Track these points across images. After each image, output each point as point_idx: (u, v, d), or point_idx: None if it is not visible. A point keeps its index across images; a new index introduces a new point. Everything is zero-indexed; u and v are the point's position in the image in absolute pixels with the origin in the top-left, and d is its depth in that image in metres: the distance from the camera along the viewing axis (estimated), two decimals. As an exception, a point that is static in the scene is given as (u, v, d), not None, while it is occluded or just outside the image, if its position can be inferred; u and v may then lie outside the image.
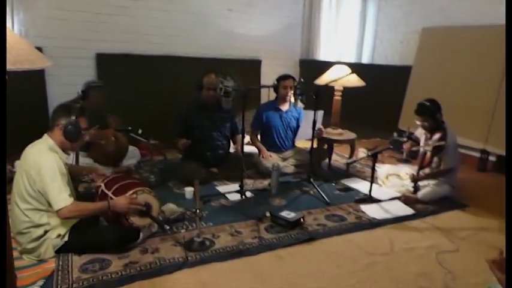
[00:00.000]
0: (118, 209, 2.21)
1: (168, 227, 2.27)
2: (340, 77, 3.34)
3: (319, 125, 3.54)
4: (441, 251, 2.43)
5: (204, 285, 1.97)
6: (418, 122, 3.33)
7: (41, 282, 1.96)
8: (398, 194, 3.33)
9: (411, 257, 2.36)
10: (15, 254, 2.19)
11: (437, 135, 3.22)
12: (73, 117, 2.21)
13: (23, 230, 2.14)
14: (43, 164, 2.09)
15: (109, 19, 4.54)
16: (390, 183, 3.53)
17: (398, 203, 3.18)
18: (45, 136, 2.23)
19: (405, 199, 3.22)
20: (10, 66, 1.11)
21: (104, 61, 4.53)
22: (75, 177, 2.77)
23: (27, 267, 2.12)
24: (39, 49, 4.15)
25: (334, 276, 2.10)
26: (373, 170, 3.23)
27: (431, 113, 3.19)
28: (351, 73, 3.32)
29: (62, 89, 4.16)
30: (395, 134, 3.49)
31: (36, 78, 4.21)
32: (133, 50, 4.66)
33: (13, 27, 4.06)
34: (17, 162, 3.26)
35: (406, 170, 3.61)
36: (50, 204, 2.12)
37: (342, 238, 2.56)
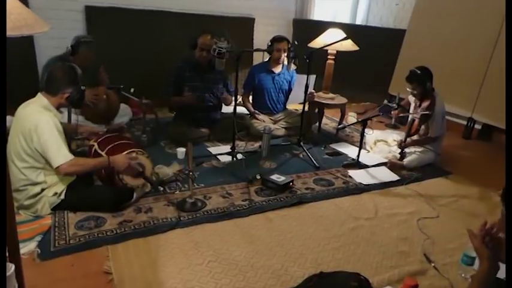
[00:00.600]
0: (117, 166, 2.25)
1: (162, 188, 2.32)
2: (334, 42, 3.30)
3: (311, 89, 3.55)
4: (422, 217, 2.55)
5: (196, 244, 2.06)
6: (408, 89, 3.36)
7: (38, 238, 2.02)
8: (385, 160, 3.42)
9: (394, 222, 2.48)
10: (10, 210, 2.25)
11: (425, 103, 3.27)
12: (82, 87, 2.21)
13: (20, 188, 2.18)
14: (39, 122, 2.09)
15: (98, -31, 4.33)
16: (378, 149, 3.62)
17: (384, 169, 3.28)
18: (39, 95, 2.21)
19: (391, 165, 3.31)
20: (10, 32, 1.10)
21: (93, 14, 4.37)
22: (68, 135, 2.78)
23: (24, 222, 2.17)
24: (25, 0, 4.05)
25: (320, 239, 2.21)
26: (362, 136, 3.30)
27: (421, 81, 3.22)
28: (345, 38, 3.29)
29: (50, 42, 4.05)
30: (385, 101, 3.53)
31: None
32: (124, 3, 4.49)
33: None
34: (8, 118, 3.24)
35: (394, 137, 3.69)
36: (47, 162, 2.15)
37: (329, 202, 2.66)
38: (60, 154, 2.10)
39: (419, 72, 3.22)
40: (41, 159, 2.15)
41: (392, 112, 3.43)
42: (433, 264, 2.06)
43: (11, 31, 1.08)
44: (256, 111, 3.89)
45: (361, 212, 2.56)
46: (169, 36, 4.63)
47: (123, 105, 3.84)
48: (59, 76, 2.22)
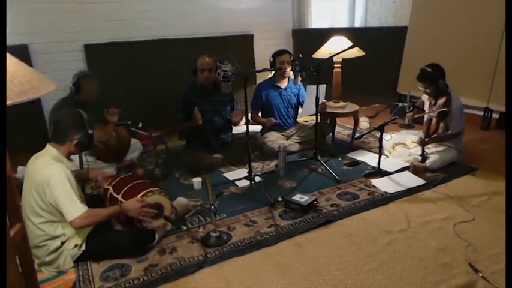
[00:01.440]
0: (130, 213, 2.17)
1: (185, 228, 2.23)
2: (341, 51, 3.22)
3: (322, 99, 3.47)
4: (458, 222, 2.43)
5: (228, 282, 1.97)
6: (420, 88, 3.26)
7: (64, 297, 1.95)
8: (406, 164, 3.30)
9: (429, 231, 2.36)
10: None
11: (441, 101, 3.16)
12: (90, 131, 2.17)
13: (39, 244, 2.12)
14: (51, 176, 2.03)
15: (93, 7, 4.32)
16: (397, 153, 3.50)
17: (407, 173, 3.16)
18: (48, 147, 2.16)
19: (414, 168, 3.20)
20: (16, 99, 1.03)
21: (92, 52, 4.35)
22: (80, 180, 2.72)
23: (47, 280, 2.09)
24: (25, 47, 4.05)
25: (356, 260, 2.10)
26: (381, 142, 3.19)
27: (433, 79, 3.12)
28: (352, 46, 3.20)
29: (53, 86, 4.03)
30: (400, 104, 3.43)
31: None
32: (122, 37, 4.48)
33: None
34: (19, 168, 3.20)
35: (412, 138, 3.57)
36: (62, 215, 2.08)
37: (357, 217, 2.55)
38: (74, 208, 2.03)
39: (430, 70, 3.12)
40: (57, 213, 2.08)
41: (407, 115, 3.32)
42: (481, 275, 1.93)
43: (17, 97, 1.01)
44: (270, 118, 3.76)
45: (393, 224, 2.45)
46: (170, 63, 4.60)
47: (133, 140, 3.77)
48: (65, 124, 2.16)
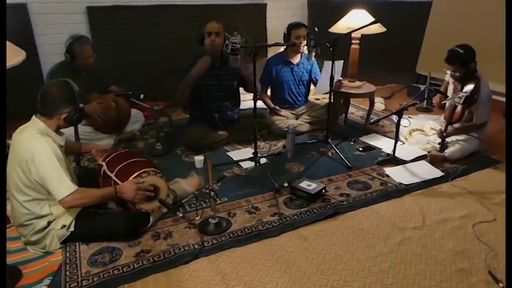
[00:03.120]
0: (125, 196, 2.01)
1: (181, 214, 2.07)
2: (362, 27, 2.93)
3: (338, 76, 3.22)
4: (477, 221, 2.23)
5: (224, 276, 1.81)
6: (448, 71, 3.00)
7: (48, 281, 1.81)
8: (423, 152, 3.08)
9: (446, 230, 2.17)
10: (19, 244, 2.05)
11: (469, 86, 2.89)
12: (80, 105, 1.97)
13: (24, 222, 1.97)
14: (36, 151, 1.85)
15: (97, -34, 4.05)
16: (414, 139, 3.26)
17: (424, 163, 2.94)
18: (34, 119, 1.96)
19: (432, 158, 2.98)
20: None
21: (96, 15, 4.10)
22: (75, 153, 2.56)
23: (32, 260, 1.97)
24: (23, 5, 3.81)
25: (364, 259, 1.93)
26: (398, 128, 2.95)
27: (465, 62, 2.85)
28: (374, 22, 2.91)
29: (54, 49, 3.85)
30: (421, 87, 3.17)
31: (25, 40, 3.84)
32: (128, 0, 4.21)
33: (-10, -19, 3.63)
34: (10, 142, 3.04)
35: (431, 124, 3.33)
36: (50, 193, 1.92)
37: (368, 210, 2.36)
38: (62, 185, 1.86)
39: (461, 51, 2.84)
40: (43, 190, 1.91)
41: (433, 100, 3.06)
42: (501, 285, 1.75)
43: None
44: (277, 107, 3.58)
45: (407, 220, 2.26)
46: (176, 31, 4.35)
47: (134, 111, 3.59)
48: (53, 96, 1.95)
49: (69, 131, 2.50)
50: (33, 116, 1.97)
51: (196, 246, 2.01)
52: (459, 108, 2.95)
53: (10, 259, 1.95)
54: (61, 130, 2.06)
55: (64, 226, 1.99)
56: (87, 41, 3.21)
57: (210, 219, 2.17)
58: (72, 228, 2.00)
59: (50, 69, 3.29)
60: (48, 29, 3.97)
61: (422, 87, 3.67)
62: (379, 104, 4.36)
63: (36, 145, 1.86)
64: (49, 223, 1.98)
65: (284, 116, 3.53)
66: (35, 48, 3.94)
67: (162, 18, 4.35)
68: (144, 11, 4.26)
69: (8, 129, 1.96)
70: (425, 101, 4.24)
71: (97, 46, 3.36)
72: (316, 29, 3.08)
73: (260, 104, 3.76)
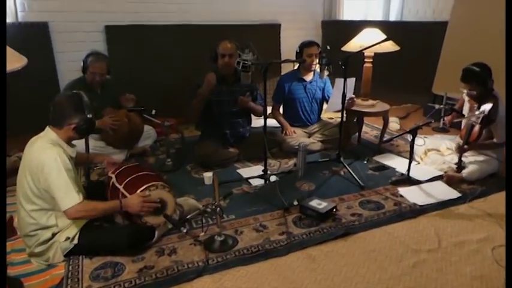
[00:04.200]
0: (130, 210, 1.98)
1: (185, 230, 2.02)
2: (373, 44, 2.90)
3: (350, 93, 3.17)
4: (497, 245, 2.11)
5: (228, 296, 1.74)
6: (464, 91, 2.92)
7: (48, 294, 1.77)
8: (439, 173, 2.98)
9: (463, 254, 2.05)
10: (23, 256, 2.03)
11: (487, 106, 2.79)
12: (88, 115, 1.98)
13: (30, 233, 1.96)
14: (46, 160, 1.86)
15: (116, -13, 4.18)
16: (430, 159, 3.17)
17: (440, 184, 2.84)
18: (47, 129, 1.99)
19: (448, 179, 2.87)
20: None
21: (113, 34, 4.22)
22: (86, 166, 2.56)
23: (35, 273, 1.94)
24: (45, 24, 3.93)
25: (376, 282, 1.83)
26: (412, 147, 2.87)
27: (481, 80, 2.77)
28: (386, 39, 2.88)
29: (72, 66, 3.92)
30: (436, 106, 3.10)
31: (44, 57, 3.96)
32: (145, 20, 4.32)
33: (15, 2, 3.78)
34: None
35: (447, 144, 3.23)
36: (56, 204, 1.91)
37: (381, 231, 2.27)
38: (68, 196, 1.85)
39: (477, 69, 2.77)
40: (50, 201, 1.91)
41: (445, 118, 2.98)
42: (523, 314, 1.63)
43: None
44: (289, 126, 3.54)
45: (421, 242, 2.16)
46: (191, 50, 4.41)
47: (147, 127, 3.61)
48: (62, 106, 1.97)
49: (81, 146, 2.53)
50: (47, 127, 1.99)
51: (200, 264, 1.95)
52: (477, 128, 2.85)
53: (13, 271, 1.93)
54: (74, 143, 2.07)
55: (68, 238, 1.97)
56: (103, 59, 3.25)
57: (216, 237, 2.11)
58: (75, 241, 1.98)
59: (66, 84, 3.35)
60: (67, 47, 4.09)
61: (437, 106, 3.58)
62: (394, 124, 4.28)
63: (47, 154, 1.87)
64: (53, 235, 1.96)
65: (293, 132, 3.48)
66: (54, 66, 4.05)
67: (178, 38, 4.43)
68: (161, 30, 4.36)
69: (24, 143, 1.99)
70: (441, 121, 4.15)
71: (113, 63, 3.41)
72: (329, 47, 3.07)
73: (273, 122, 3.76)
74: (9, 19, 3.74)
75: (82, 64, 3.17)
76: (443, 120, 3.12)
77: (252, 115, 3.49)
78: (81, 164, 2.45)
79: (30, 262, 2.01)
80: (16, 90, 3.74)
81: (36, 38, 3.89)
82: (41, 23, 3.92)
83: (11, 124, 3.48)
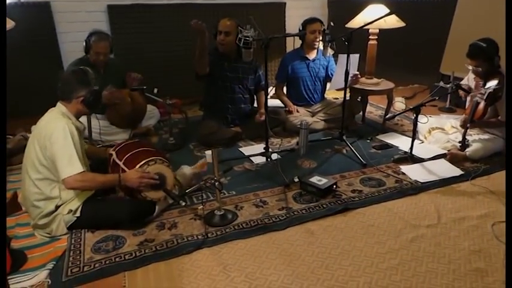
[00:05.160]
0: (129, 184, 2.00)
1: (184, 203, 2.04)
2: (377, 19, 2.85)
3: (354, 70, 3.13)
4: (497, 221, 2.10)
5: (225, 267, 1.77)
6: (469, 67, 2.86)
7: (51, 265, 1.81)
8: (443, 151, 2.95)
9: (462, 229, 2.05)
10: (27, 230, 2.08)
11: (493, 82, 2.74)
12: (94, 87, 2.03)
13: (34, 202, 2.01)
14: (54, 129, 1.92)
15: (117, -36, 4.13)
16: (433, 138, 3.14)
17: (443, 162, 2.82)
18: (58, 104, 2.06)
19: (451, 157, 2.84)
20: None
21: (116, 13, 4.19)
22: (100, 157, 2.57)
23: (38, 245, 1.99)
24: (47, 4, 3.92)
25: (373, 255, 1.84)
26: (415, 125, 2.84)
27: (488, 56, 2.71)
28: (390, 13, 2.83)
29: (75, 46, 3.90)
30: (441, 83, 3.04)
31: (47, 37, 3.97)
32: (147, -1, 4.28)
33: (17, -18, 3.77)
34: (33, 127, 3.11)
35: (452, 123, 3.19)
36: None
37: (381, 207, 2.27)
38: (70, 166, 1.89)
39: (484, 45, 2.71)
40: (55, 171, 1.95)
41: (462, 94, 2.93)
42: (521, 286, 1.63)
43: None
44: (291, 105, 3.52)
45: (421, 218, 2.15)
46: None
47: (150, 107, 3.62)
48: (69, 80, 2.05)
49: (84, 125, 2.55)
50: (58, 102, 2.05)
51: (200, 237, 1.98)
52: (482, 105, 2.80)
53: (17, 244, 1.98)
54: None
55: (71, 211, 2.01)
56: (105, 38, 3.24)
57: (215, 211, 2.13)
58: (78, 214, 2.01)
59: (69, 65, 3.36)
60: (69, 27, 4.08)
61: (442, 84, 3.51)
62: (400, 103, 4.23)
63: (56, 123, 1.93)
64: (57, 207, 2.00)
65: (296, 110, 3.46)
66: (57, 46, 4.05)
67: (181, 17, 4.38)
68: (163, 9, 4.32)
69: (30, 124, 2.05)
70: (448, 100, 4.09)
71: (116, 43, 3.40)
72: (332, 24, 3.02)
73: (275, 102, 3.74)
74: (12, -1, 3.74)
75: (84, 44, 3.16)
76: (461, 97, 3.04)
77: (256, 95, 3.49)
78: (97, 157, 2.46)
79: (33, 236, 2.05)
80: (19, 71, 3.78)
81: (38, 18, 3.89)
82: (43, 3, 3.91)
83: (15, 105, 3.55)
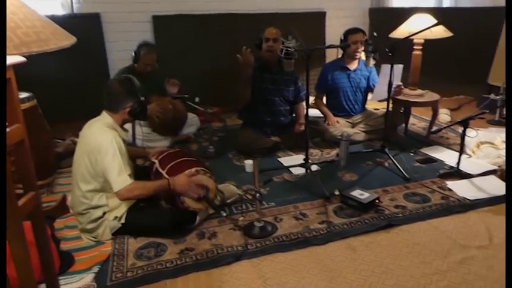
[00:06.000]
0: (178, 189, 2.03)
1: (225, 214, 2.06)
2: (423, 29, 2.76)
3: (398, 81, 3.05)
4: (556, 244, 1.96)
5: (265, 281, 1.75)
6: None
7: (96, 268, 1.87)
8: (493, 167, 2.81)
9: (516, 252, 1.93)
10: (75, 232, 2.16)
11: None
12: (141, 98, 2.08)
13: (82, 211, 2.08)
14: (103, 143, 1.98)
15: (165, -22, 4.28)
16: (482, 153, 3.00)
17: (494, 178, 2.68)
18: (103, 113, 2.11)
19: (503, 173, 2.70)
20: (14, 51, 0.86)
21: (160, 23, 4.34)
22: (141, 158, 2.65)
23: (85, 248, 2.06)
24: (97, 15, 4.12)
25: (419, 276, 1.77)
26: (463, 139, 2.72)
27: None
28: (437, 23, 2.74)
29: (121, 55, 4.09)
30: (491, 95, 2.91)
31: (97, 47, 4.16)
32: (191, 10, 4.39)
33: (70, -5, 3.97)
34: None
35: (503, 137, 3.04)
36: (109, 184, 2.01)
37: (426, 224, 2.18)
38: (121, 178, 1.95)
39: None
40: (103, 182, 2.02)
41: None
42: None
43: (15, 49, 0.85)
44: (332, 116, 3.47)
45: (470, 238, 2.05)
46: (237, 38, 4.39)
47: (191, 115, 3.69)
48: (116, 92, 2.09)
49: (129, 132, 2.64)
50: (103, 111, 2.10)
51: (239, 248, 1.98)
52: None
53: (66, 245, 2.06)
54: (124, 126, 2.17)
55: (116, 217, 2.07)
56: (154, 50, 3.37)
57: (255, 223, 2.13)
58: (123, 220, 2.07)
59: (116, 73, 3.49)
60: (117, 37, 4.26)
61: (492, 96, 3.36)
62: (445, 116, 4.07)
63: (104, 137, 1.98)
64: (104, 213, 2.07)
65: (338, 124, 3.41)
66: (104, 55, 4.23)
67: (222, 27, 4.47)
68: (206, 19, 4.42)
69: (78, 128, 2.12)
70: (497, 113, 3.90)
71: (159, 52, 3.50)
72: (375, 34, 2.97)
73: (314, 112, 3.71)
74: (65, 11, 3.94)
75: (133, 55, 3.28)
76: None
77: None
78: (136, 157, 2.54)
79: (80, 238, 2.12)
80: (70, 79, 3.97)
81: (89, 28, 4.08)
82: (94, 14, 4.11)
83: (65, 110, 3.73)
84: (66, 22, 3.79)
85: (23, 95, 2.48)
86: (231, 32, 4.46)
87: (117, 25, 4.24)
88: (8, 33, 0.86)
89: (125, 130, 2.19)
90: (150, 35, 4.33)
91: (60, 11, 3.93)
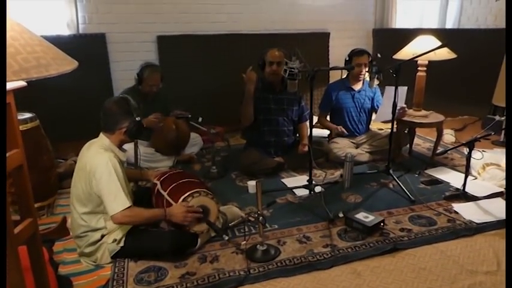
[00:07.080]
0: (174, 219, 2.01)
1: (227, 238, 2.02)
2: (428, 51, 2.76)
3: (402, 103, 3.04)
4: None
5: (268, 307, 1.71)
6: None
7: (95, 294, 1.83)
8: (499, 189, 2.76)
9: (527, 278, 1.87)
10: (74, 256, 2.12)
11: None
12: (137, 118, 2.06)
13: (80, 234, 2.05)
14: (98, 165, 1.94)
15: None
16: (488, 174, 2.96)
17: (500, 201, 2.63)
18: (101, 135, 2.09)
19: (510, 196, 2.65)
20: (12, 77, 0.86)
21: (165, 44, 4.37)
22: (136, 180, 2.63)
23: (84, 273, 2.02)
24: (102, 35, 4.17)
25: (426, 303, 1.72)
26: (469, 161, 2.69)
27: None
28: (442, 45, 2.74)
29: (125, 74, 4.11)
30: (497, 117, 2.89)
31: (101, 67, 4.19)
32: (195, 30, 4.43)
33: (77, 15, 4.03)
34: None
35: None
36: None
37: (432, 248, 2.13)
38: (117, 201, 1.92)
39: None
40: (101, 204, 1.99)
41: None
42: None
43: (14, 75, 0.84)
44: (337, 126, 3.43)
45: (478, 263, 2.00)
46: (241, 59, 4.43)
47: (193, 135, 3.68)
48: (111, 112, 2.06)
49: (130, 152, 2.63)
50: (101, 133, 2.08)
51: (241, 273, 1.93)
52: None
53: (64, 270, 2.02)
54: (124, 147, 2.15)
55: (115, 240, 2.03)
56: (158, 70, 3.39)
57: (258, 246, 2.09)
58: (122, 243, 2.03)
59: (120, 93, 3.51)
60: (121, 56, 4.29)
61: (497, 117, 3.34)
62: (450, 136, 4.05)
63: (99, 159, 1.95)
64: (102, 236, 2.03)
65: (341, 131, 3.38)
66: (109, 74, 4.27)
67: (227, 47, 4.51)
68: (210, 40, 4.45)
69: (80, 148, 2.10)
70: (502, 134, 3.87)
71: (163, 72, 3.52)
72: (379, 55, 2.98)
73: (318, 133, 3.69)
74: (71, 31, 4.00)
75: (137, 76, 3.29)
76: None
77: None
78: (134, 180, 2.52)
79: (79, 262, 2.09)
80: (73, 98, 3.99)
81: (94, 48, 4.12)
82: (99, 34, 4.15)
83: (68, 130, 3.74)
84: (72, 42, 3.89)
85: (26, 115, 2.48)
86: (235, 52, 4.49)
87: (122, 45, 4.28)
88: (8, 59, 0.86)
89: (123, 150, 2.14)
90: (155, 55, 4.36)
91: (66, 31, 3.98)
